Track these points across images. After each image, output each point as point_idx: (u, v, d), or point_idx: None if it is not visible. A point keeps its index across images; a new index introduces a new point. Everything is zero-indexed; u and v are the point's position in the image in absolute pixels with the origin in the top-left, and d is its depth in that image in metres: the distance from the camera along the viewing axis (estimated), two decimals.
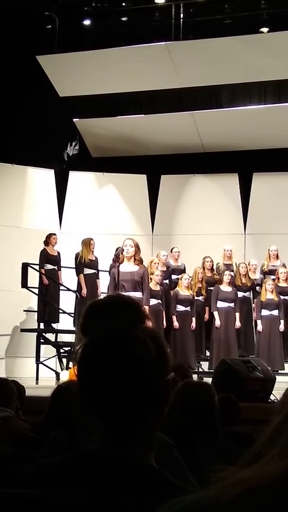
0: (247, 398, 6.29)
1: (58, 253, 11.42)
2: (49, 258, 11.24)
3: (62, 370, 10.13)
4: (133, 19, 12.19)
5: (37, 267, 11.03)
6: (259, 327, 10.64)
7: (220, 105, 12.49)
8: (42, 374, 10.48)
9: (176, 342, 10.58)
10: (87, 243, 11.03)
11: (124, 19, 12.26)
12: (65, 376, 8.86)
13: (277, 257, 11.33)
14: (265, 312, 10.64)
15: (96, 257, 11.13)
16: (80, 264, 11.00)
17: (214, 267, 11.43)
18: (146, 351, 1.24)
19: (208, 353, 11.10)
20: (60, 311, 11.12)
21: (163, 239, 12.79)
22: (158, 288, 10.15)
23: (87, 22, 12.29)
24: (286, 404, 0.79)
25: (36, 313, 11.26)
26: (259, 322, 10.67)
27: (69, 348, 10.33)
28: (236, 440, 3.11)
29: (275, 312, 10.63)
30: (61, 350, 10.58)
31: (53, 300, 11.10)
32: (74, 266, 11.18)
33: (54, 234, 11.48)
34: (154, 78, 12.00)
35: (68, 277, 11.38)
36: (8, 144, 12.29)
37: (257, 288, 11.09)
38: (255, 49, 11.38)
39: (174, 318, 10.66)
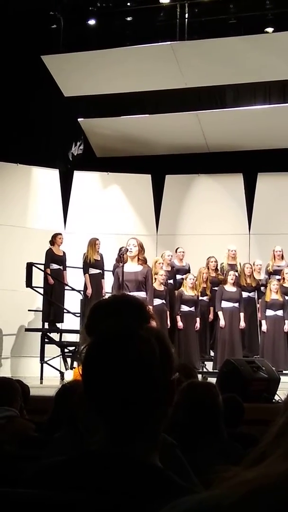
0: (251, 398, 6.28)
1: (64, 253, 11.43)
2: (54, 258, 11.25)
3: (66, 369, 10.14)
4: (138, 19, 12.19)
5: (41, 267, 11.04)
6: (264, 327, 10.63)
7: (225, 105, 12.48)
8: (46, 374, 10.50)
9: (180, 342, 10.58)
10: (93, 243, 11.04)
11: (129, 19, 12.26)
12: (69, 375, 8.86)
13: (282, 257, 11.32)
14: (269, 313, 10.63)
15: (101, 257, 11.13)
16: (86, 264, 11.02)
17: (219, 267, 11.43)
18: (150, 351, 1.24)
19: (212, 353, 11.09)
20: (65, 311, 11.14)
21: (167, 239, 12.78)
22: (162, 288, 10.15)
23: (92, 22, 12.30)
24: None
25: (40, 313, 11.28)
26: (263, 322, 10.66)
27: (74, 348, 10.34)
28: (240, 441, 3.10)
29: (280, 313, 10.62)
30: (66, 350, 10.59)
31: (57, 300, 11.10)
32: (79, 266, 11.20)
33: (60, 234, 11.49)
34: (158, 78, 12.00)
35: (73, 277, 11.40)
36: (12, 144, 12.30)
37: (262, 288, 11.08)
38: (260, 49, 11.37)
39: (178, 318, 10.65)
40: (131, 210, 13.21)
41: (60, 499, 1.20)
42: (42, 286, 11.08)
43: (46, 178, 12.91)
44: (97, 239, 11.12)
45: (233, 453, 2.66)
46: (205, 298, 11.05)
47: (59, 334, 11.12)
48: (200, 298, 10.90)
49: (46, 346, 10.73)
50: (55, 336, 11.05)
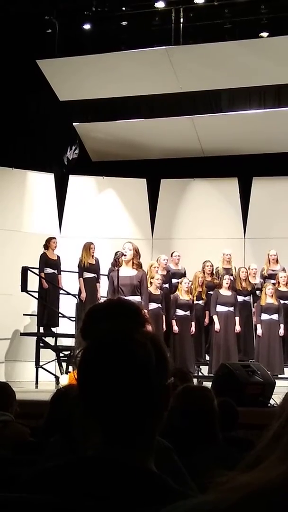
0: (246, 402, 6.28)
1: (58, 257, 11.43)
2: (49, 262, 11.24)
3: (61, 374, 10.13)
4: (133, 23, 12.20)
5: (36, 271, 11.04)
6: (259, 331, 10.64)
7: (220, 110, 12.50)
8: (41, 378, 10.48)
9: (176, 347, 10.57)
10: (87, 247, 11.04)
11: (124, 23, 12.27)
12: (64, 380, 8.86)
13: (277, 261, 11.33)
14: (265, 317, 10.64)
15: (96, 261, 11.12)
16: (80, 268, 11.02)
17: (214, 271, 11.43)
18: (146, 355, 1.24)
19: (207, 357, 11.08)
20: (60, 315, 11.13)
21: (162, 243, 12.79)
22: (158, 292, 10.15)
23: (87, 26, 12.30)
24: (286, 409, 0.79)
25: (35, 317, 11.26)
26: (259, 326, 10.66)
27: (69, 352, 10.33)
28: (236, 445, 3.10)
29: (275, 317, 10.63)
30: (61, 354, 10.58)
31: (52, 304, 11.10)
32: (74, 270, 11.20)
33: (54, 238, 11.49)
34: (154, 82, 12.02)
35: (68, 281, 11.39)
36: (8, 148, 12.30)
37: (257, 292, 11.09)
38: (255, 53, 11.40)
39: (174, 322, 10.65)
40: (126, 214, 13.21)
41: (56, 504, 1.20)
42: (37, 290, 11.08)
43: (41, 182, 12.91)
44: (92, 243, 11.12)
45: (229, 457, 2.66)
46: (200, 302, 11.05)
47: (54, 338, 11.11)
48: (195, 302, 10.90)
49: (41, 350, 10.72)
50: (50, 340, 11.03)
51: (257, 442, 0.79)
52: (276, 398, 6.96)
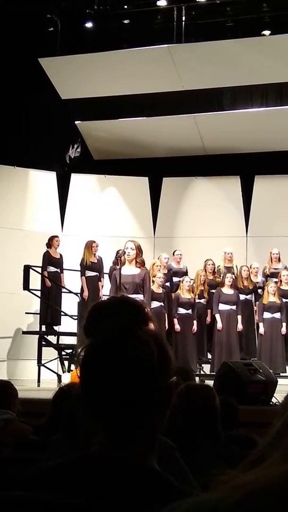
0: (248, 401, 6.28)
1: (61, 255, 11.44)
2: (51, 261, 11.26)
3: (63, 372, 10.14)
4: (135, 21, 12.19)
5: (38, 270, 11.04)
6: (261, 329, 10.64)
7: (222, 108, 12.50)
8: (43, 377, 10.49)
9: (178, 345, 10.57)
10: (89, 246, 11.05)
11: (126, 21, 12.27)
12: (66, 378, 8.86)
13: (279, 260, 11.33)
14: (267, 315, 10.63)
15: (99, 260, 11.13)
16: (82, 266, 11.02)
17: (216, 270, 11.42)
18: (149, 353, 1.24)
19: (210, 356, 11.09)
20: (62, 313, 11.13)
21: (164, 242, 12.78)
22: (160, 290, 10.15)
23: (89, 24, 12.31)
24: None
25: (38, 315, 11.27)
26: (261, 324, 10.66)
27: (71, 350, 10.33)
28: (238, 443, 3.10)
29: (277, 315, 10.62)
30: (63, 353, 10.59)
31: (55, 303, 11.11)
32: (77, 269, 11.21)
33: (57, 237, 11.50)
34: (156, 80, 12.01)
35: (70, 280, 11.39)
36: (10, 146, 12.30)
37: (259, 291, 11.08)
38: (257, 51, 11.39)
39: (176, 321, 10.65)
40: (128, 212, 13.21)
41: (58, 503, 1.20)
42: (39, 288, 11.09)
43: (44, 180, 12.91)
44: (94, 242, 11.12)
45: (231, 456, 2.66)
46: (202, 300, 11.05)
47: (56, 336, 11.12)
48: (197, 300, 10.90)
49: (43, 348, 10.72)
50: (52, 338, 11.04)
51: (259, 440, 0.79)
52: (278, 397, 6.96)
